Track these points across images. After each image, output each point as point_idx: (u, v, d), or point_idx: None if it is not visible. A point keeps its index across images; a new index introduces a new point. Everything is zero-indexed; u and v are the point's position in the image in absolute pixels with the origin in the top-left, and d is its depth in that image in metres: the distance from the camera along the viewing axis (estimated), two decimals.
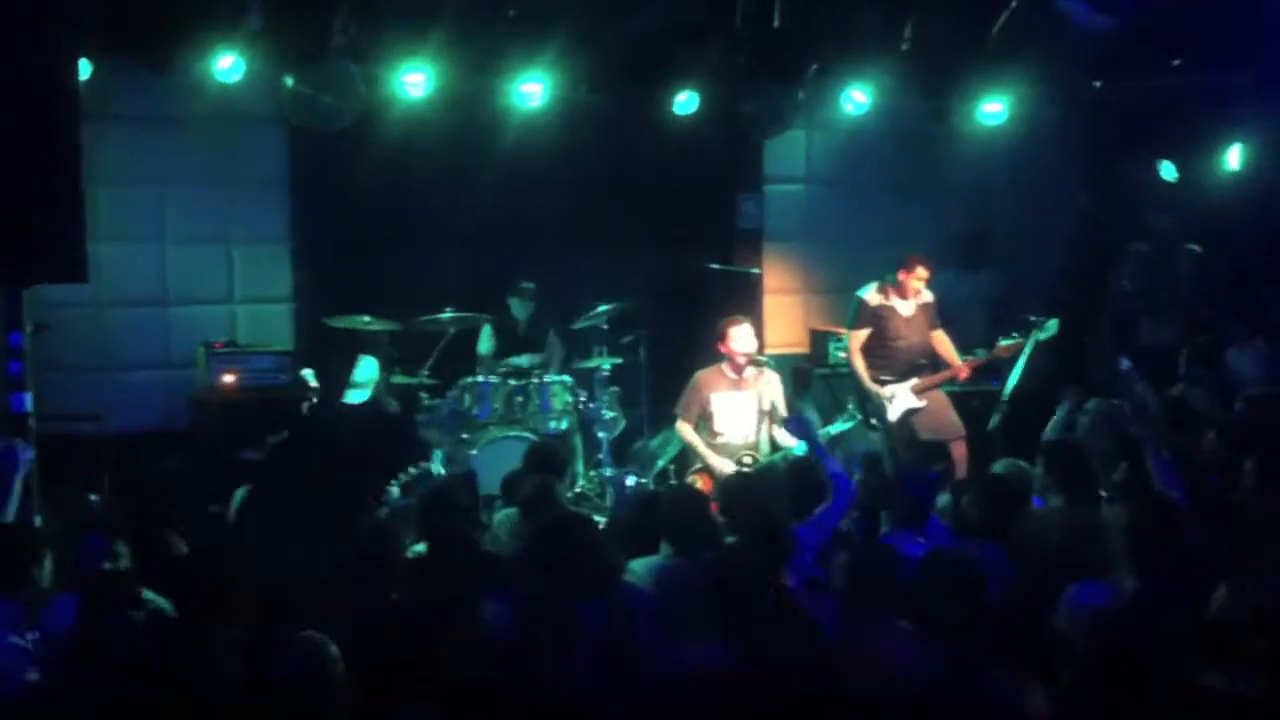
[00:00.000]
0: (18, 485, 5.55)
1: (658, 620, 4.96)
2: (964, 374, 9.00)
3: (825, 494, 6.10)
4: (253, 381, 9.10)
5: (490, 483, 7.86)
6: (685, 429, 8.53)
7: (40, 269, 7.32)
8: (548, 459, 7.04)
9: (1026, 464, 6.52)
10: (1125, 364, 6.02)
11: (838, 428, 8.49)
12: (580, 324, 9.23)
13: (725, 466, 8.07)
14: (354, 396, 8.18)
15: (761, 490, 6.29)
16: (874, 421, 8.93)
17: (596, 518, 6.58)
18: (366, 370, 8.29)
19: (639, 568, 5.41)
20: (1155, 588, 4.61)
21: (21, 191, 7.07)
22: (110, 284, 9.11)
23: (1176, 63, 9.65)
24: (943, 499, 6.63)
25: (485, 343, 9.48)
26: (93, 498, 7.59)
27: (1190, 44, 9.52)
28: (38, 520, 6.24)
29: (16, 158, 7.07)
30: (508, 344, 9.48)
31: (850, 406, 8.74)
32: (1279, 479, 6.09)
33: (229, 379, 9.05)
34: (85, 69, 7.67)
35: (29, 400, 7.20)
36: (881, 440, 8.83)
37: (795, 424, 7.14)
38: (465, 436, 8.53)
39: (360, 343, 8.79)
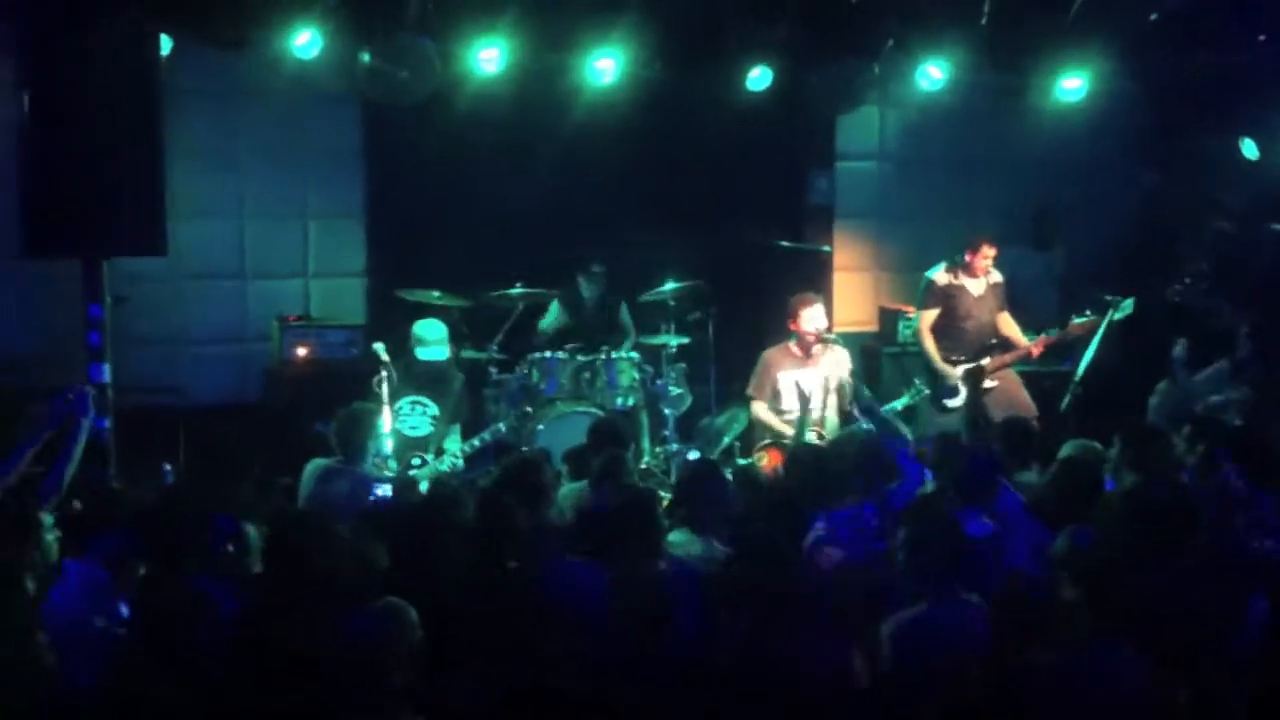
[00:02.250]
0: (84, 428, 5.64)
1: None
2: (1036, 352, 8.91)
3: (893, 474, 6.11)
4: (325, 355, 9.22)
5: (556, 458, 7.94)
6: (759, 408, 8.54)
7: (120, 242, 7.51)
8: (613, 434, 7.08)
9: (1099, 445, 6.46)
10: (1179, 350, 5.94)
11: (901, 403, 8.42)
12: (646, 297, 9.22)
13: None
14: (432, 354, 8.21)
15: (829, 464, 6.29)
16: (945, 402, 8.87)
17: (662, 494, 6.58)
18: (435, 328, 8.29)
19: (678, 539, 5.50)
20: None
21: (103, 166, 7.23)
22: (187, 257, 9.22)
23: (1262, 37, 9.44)
24: (1028, 475, 6.58)
25: (549, 318, 9.50)
26: (167, 468, 7.76)
27: (1274, 16, 9.31)
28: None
29: (98, 134, 7.23)
30: (574, 323, 9.50)
31: (917, 382, 8.67)
32: None
33: (301, 352, 9.18)
34: (165, 45, 7.79)
35: (108, 371, 7.38)
36: (959, 420, 8.75)
37: (864, 409, 7.11)
38: (529, 410, 8.55)
39: (429, 316, 8.84)
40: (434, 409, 8.18)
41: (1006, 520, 5.74)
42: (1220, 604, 4.71)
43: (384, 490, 6.70)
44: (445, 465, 7.86)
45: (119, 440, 7.49)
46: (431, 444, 8.12)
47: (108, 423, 7.27)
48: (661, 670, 4.42)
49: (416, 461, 7.89)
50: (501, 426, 8.26)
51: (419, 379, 8.17)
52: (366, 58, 8.58)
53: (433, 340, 8.21)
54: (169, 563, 4.91)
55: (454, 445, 8.17)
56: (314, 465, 6.95)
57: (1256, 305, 9.46)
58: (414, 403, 8.17)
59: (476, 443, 8.08)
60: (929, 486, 6.16)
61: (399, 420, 8.07)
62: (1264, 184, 9.98)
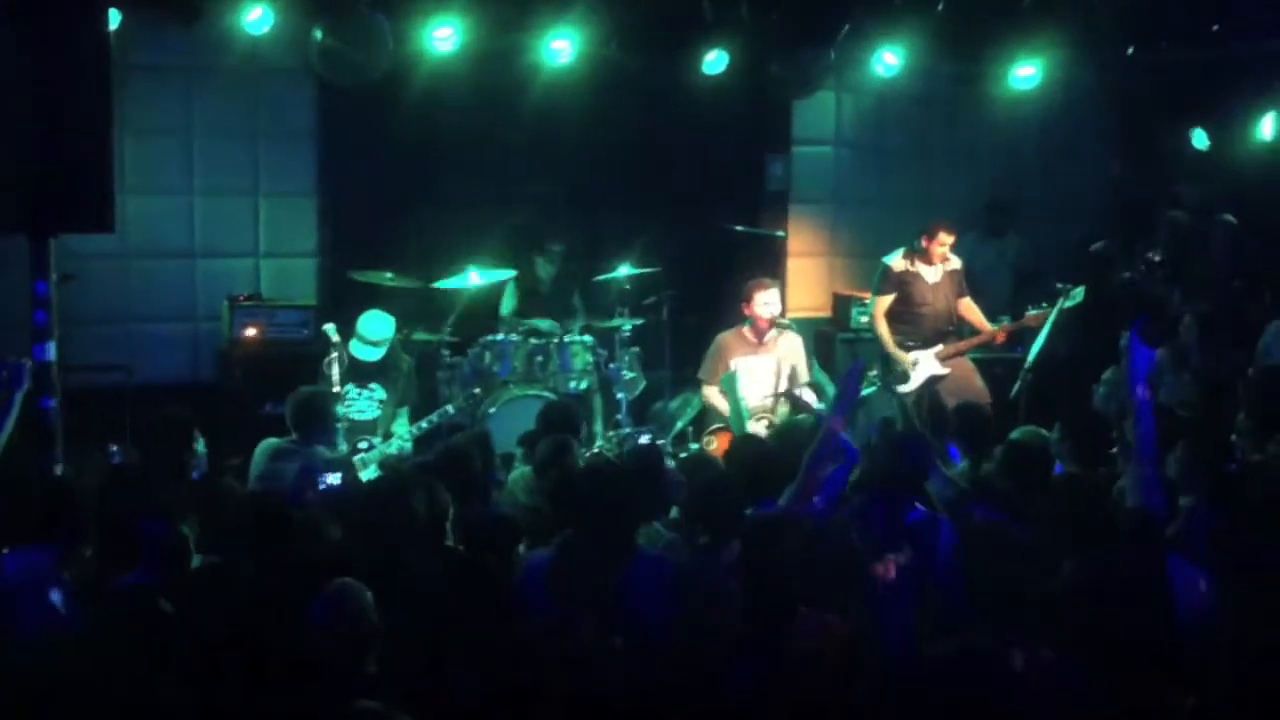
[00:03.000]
0: (16, 401, 5.58)
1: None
2: (1000, 338, 8.99)
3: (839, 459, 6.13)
4: (275, 335, 9.13)
5: (508, 442, 7.91)
6: (711, 393, 8.55)
7: (68, 219, 7.37)
8: (563, 418, 7.06)
9: (1046, 431, 6.50)
10: (1126, 339, 5.98)
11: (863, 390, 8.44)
12: (600, 278, 9.19)
13: (755, 427, 8.07)
14: (367, 354, 8.13)
15: (776, 452, 6.29)
16: (897, 389, 8.91)
17: None
18: (382, 327, 8.18)
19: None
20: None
21: (50, 141, 7.10)
22: (136, 235, 9.13)
23: (1215, 29, 9.51)
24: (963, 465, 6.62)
25: (508, 301, 9.46)
26: (113, 449, 7.67)
27: (1230, 10, 9.39)
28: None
29: (46, 108, 7.10)
30: (530, 303, 9.46)
31: (872, 372, 8.71)
32: None
33: (252, 332, 9.08)
34: (114, 19, 7.67)
35: (53, 350, 7.26)
36: (898, 406, 8.80)
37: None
38: (476, 392, 8.50)
39: (381, 299, 8.79)
40: (381, 393, 8.13)
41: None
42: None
43: (333, 477, 6.63)
44: (393, 449, 7.82)
45: (66, 420, 7.37)
46: (380, 427, 8.07)
47: (53, 402, 7.14)
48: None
49: (364, 445, 7.84)
50: (450, 409, 8.21)
51: (362, 367, 8.11)
52: (319, 35, 8.51)
53: (371, 340, 8.08)
54: (111, 555, 4.86)
55: (402, 429, 8.13)
56: (266, 444, 6.92)
57: (1204, 295, 9.57)
58: (360, 387, 8.12)
59: (425, 425, 8.03)
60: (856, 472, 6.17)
61: (346, 404, 8.02)
62: (1219, 175, 10.06)
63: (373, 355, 8.10)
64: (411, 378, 8.41)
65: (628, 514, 5.08)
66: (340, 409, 7.86)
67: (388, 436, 8.03)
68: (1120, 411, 6.47)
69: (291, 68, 9.29)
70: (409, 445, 7.90)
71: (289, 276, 9.76)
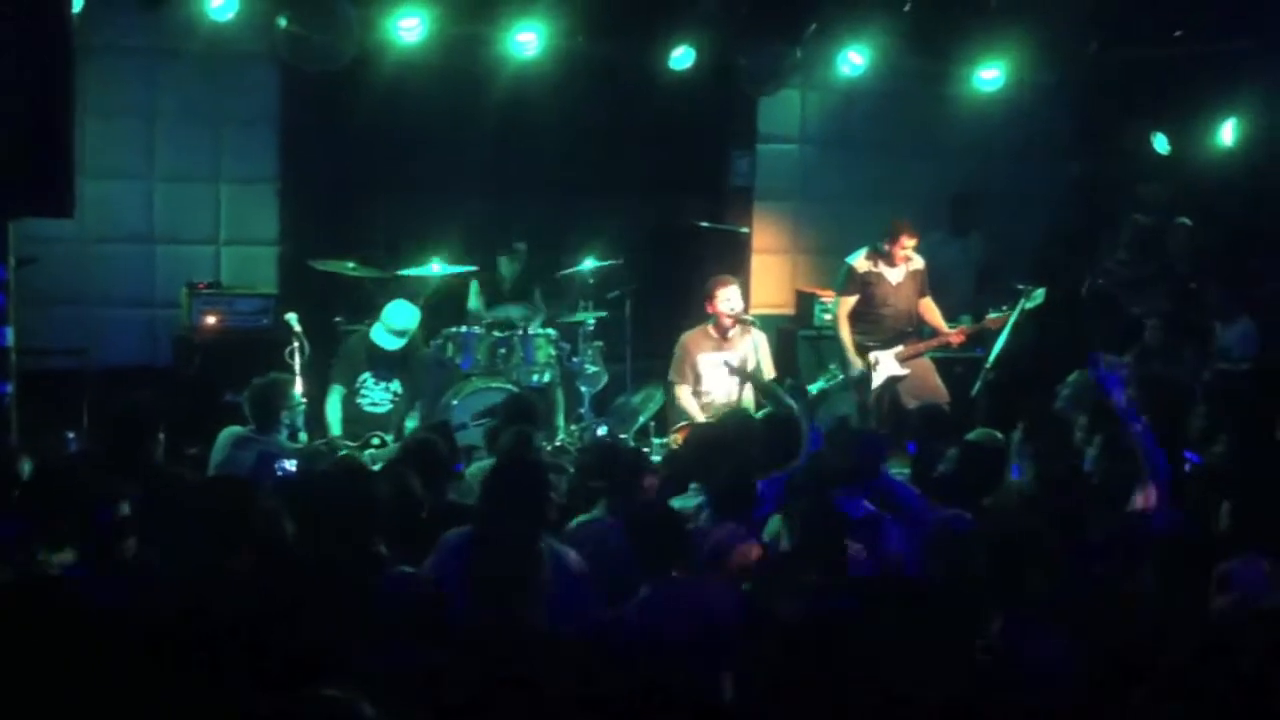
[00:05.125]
0: None
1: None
2: (957, 340, 9.03)
3: (795, 456, 6.18)
4: (235, 324, 9.04)
5: (469, 435, 7.89)
6: (683, 393, 8.57)
7: (26, 202, 7.29)
8: (524, 411, 7.06)
9: (1001, 434, 6.55)
10: (1095, 357, 6.12)
11: (816, 387, 8.49)
12: (564, 272, 9.17)
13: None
14: (390, 342, 8.07)
15: (730, 443, 6.33)
16: (857, 387, 8.95)
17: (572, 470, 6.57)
18: (407, 316, 8.11)
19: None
20: None
21: (9, 123, 7.02)
22: (96, 220, 9.02)
23: (1178, 33, 9.59)
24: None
25: (474, 299, 9.41)
26: (70, 435, 7.60)
27: (1192, 12, 9.47)
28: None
29: (5, 89, 7.01)
30: (492, 301, 9.43)
31: (831, 367, 8.75)
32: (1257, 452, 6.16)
33: (211, 320, 8.99)
34: (78, 1, 7.59)
35: (10, 334, 7.18)
36: (854, 406, 8.87)
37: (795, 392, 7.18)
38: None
39: (345, 288, 8.74)
40: (397, 385, 8.08)
41: (890, 504, 5.81)
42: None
43: (290, 464, 6.60)
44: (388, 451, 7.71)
45: (20, 404, 7.30)
46: (392, 422, 8.01)
47: (9, 388, 7.08)
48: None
49: (376, 441, 7.77)
50: (469, 422, 8.17)
51: (381, 357, 8.05)
52: (284, 21, 8.44)
53: (395, 328, 8.08)
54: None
55: (414, 426, 8.10)
56: (227, 433, 6.88)
57: (1165, 296, 9.67)
58: (377, 379, 8.07)
59: None
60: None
61: (361, 395, 7.98)
62: (1178, 177, 10.15)
63: (395, 344, 8.07)
64: (427, 377, 8.37)
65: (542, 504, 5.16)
66: (357, 399, 7.85)
67: (400, 435, 7.98)
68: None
69: (255, 53, 9.21)
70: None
71: (250, 264, 9.67)
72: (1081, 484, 5.78)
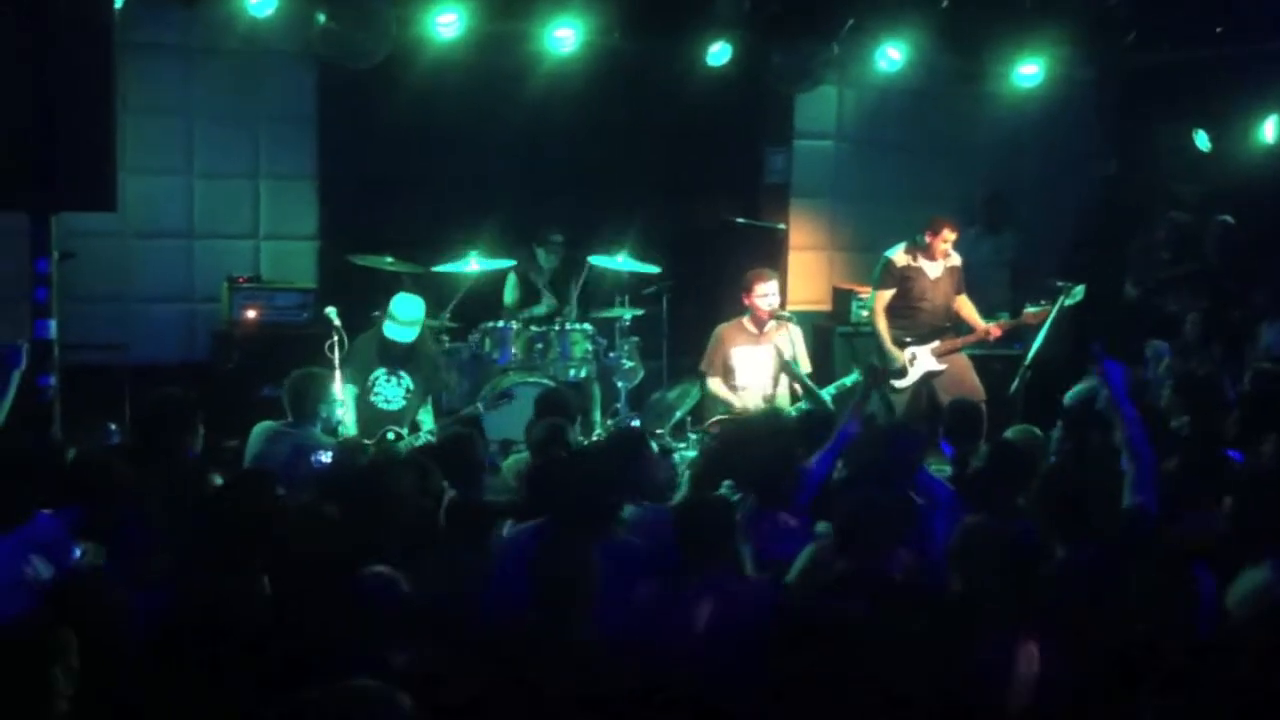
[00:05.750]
0: (14, 380, 5.58)
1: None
2: (996, 334, 8.99)
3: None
4: (274, 318, 9.10)
5: (508, 428, 7.90)
6: (715, 383, 8.55)
7: (69, 197, 7.36)
8: (558, 405, 7.08)
9: (1040, 430, 6.52)
10: (1096, 348, 6.06)
11: (849, 380, 8.46)
12: (596, 259, 9.15)
13: None
14: (400, 334, 8.09)
15: (760, 437, 6.33)
16: (894, 383, 8.92)
17: None
18: (412, 307, 8.14)
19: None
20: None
21: (52, 119, 7.09)
22: (137, 215, 9.08)
23: (1217, 30, 9.53)
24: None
25: (510, 292, 9.43)
26: (112, 427, 7.66)
27: (1231, 10, 9.40)
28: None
29: (50, 86, 7.08)
30: (530, 293, 9.45)
31: (855, 370, 8.72)
32: None
33: (251, 315, 9.05)
34: None
35: (53, 327, 7.25)
36: (878, 402, 8.84)
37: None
38: (510, 390, 8.45)
39: (381, 282, 8.77)
40: (409, 381, 8.11)
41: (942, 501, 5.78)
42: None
43: (325, 456, 6.62)
44: (421, 443, 7.67)
45: (62, 397, 7.36)
46: (405, 418, 8.04)
47: (52, 380, 7.14)
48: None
49: (390, 436, 7.79)
50: (479, 406, 8.18)
51: (393, 351, 8.08)
52: (322, 18, 8.49)
53: (404, 320, 8.04)
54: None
55: (428, 420, 8.12)
56: (261, 427, 6.90)
57: (1204, 295, 9.60)
58: (389, 374, 8.09)
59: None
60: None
61: (374, 393, 8.01)
62: (1217, 176, 10.08)
63: (407, 336, 8.06)
64: (436, 367, 8.40)
65: (603, 496, 5.16)
66: (369, 398, 7.89)
67: (415, 428, 8.00)
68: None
69: (293, 50, 9.27)
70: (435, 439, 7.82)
71: (288, 259, 9.72)
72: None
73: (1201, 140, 10.10)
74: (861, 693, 3.88)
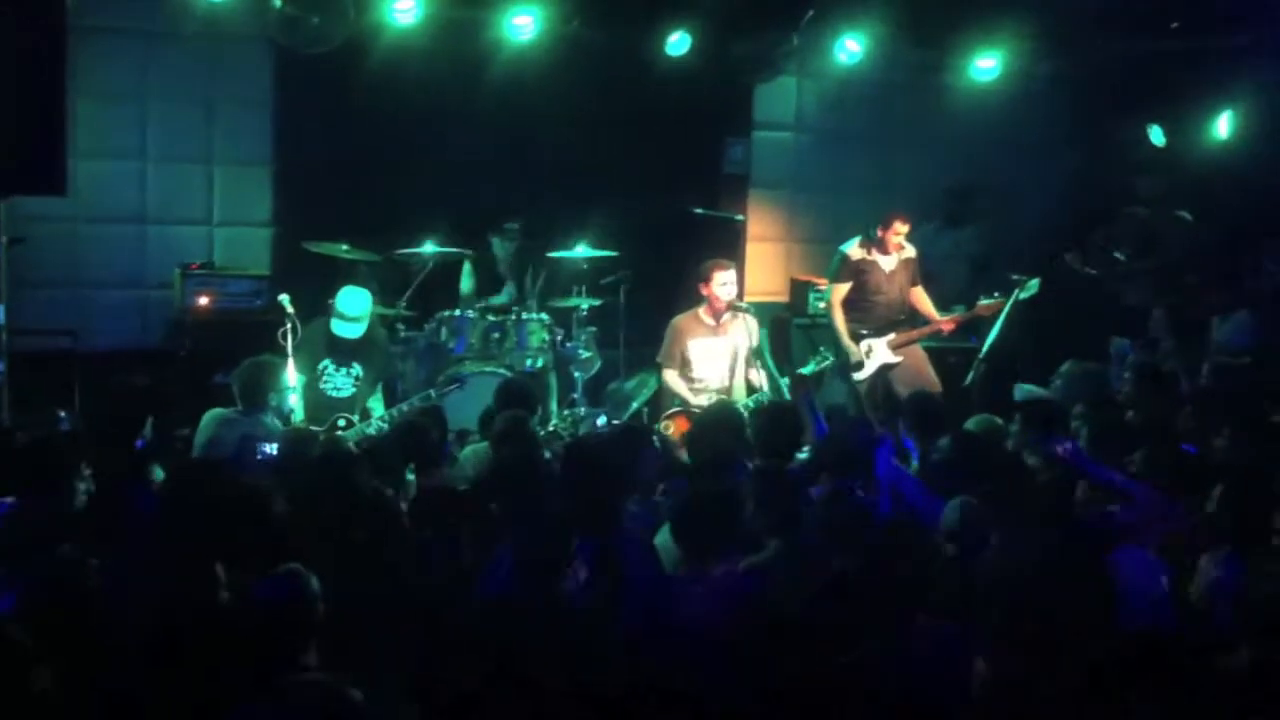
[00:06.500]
0: None
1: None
2: (947, 328, 9.00)
3: (798, 437, 6.20)
4: (228, 305, 9.02)
5: (464, 418, 7.86)
6: (671, 376, 8.54)
7: (18, 181, 7.28)
8: (519, 395, 7.04)
9: (1000, 420, 6.55)
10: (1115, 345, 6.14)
11: (808, 369, 8.47)
12: (555, 253, 9.13)
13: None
14: (348, 330, 8.01)
15: (719, 428, 6.33)
16: (852, 375, 8.94)
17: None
18: (358, 302, 8.06)
19: None
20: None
21: (2, 102, 7.00)
22: (88, 200, 8.99)
23: (1175, 25, 9.58)
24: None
25: (466, 280, 9.37)
26: (61, 414, 7.57)
27: (1189, 6, 9.46)
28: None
29: (0, 69, 7.00)
30: (486, 282, 9.39)
31: (821, 350, 8.74)
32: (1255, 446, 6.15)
33: (204, 301, 8.97)
34: None
35: (2, 312, 7.17)
36: (847, 394, 8.88)
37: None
38: (465, 376, 8.39)
39: (336, 270, 8.70)
40: (358, 370, 8.04)
41: (910, 494, 5.80)
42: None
43: (270, 448, 6.56)
44: (372, 429, 7.63)
45: (11, 383, 7.29)
46: (356, 405, 7.98)
47: (1, 365, 7.06)
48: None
49: (342, 423, 7.73)
50: (432, 393, 8.13)
51: (341, 344, 8.01)
52: (278, 2, 8.42)
53: (351, 316, 7.95)
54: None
55: (378, 407, 8.06)
56: (212, 414, 6.88)
57: (1165, 289, 9.66)
58: (339, 364, 8.02)
59: (405, 408, 7.87)
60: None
61: (323, 381, 7.95)
62: (1175, 170, 10.14)
63: (354, 332, 7.97)
64: (388, 354, 8.34)
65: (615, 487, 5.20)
66: (319, 385, 7.83)
67: (365, 415, 7.94)
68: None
69: (249, 34, 9.18)
70: (387, 425, 7.75)
71: (243, 245, 9.63)
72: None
73: (1156, 135, 10.17)
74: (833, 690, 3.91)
